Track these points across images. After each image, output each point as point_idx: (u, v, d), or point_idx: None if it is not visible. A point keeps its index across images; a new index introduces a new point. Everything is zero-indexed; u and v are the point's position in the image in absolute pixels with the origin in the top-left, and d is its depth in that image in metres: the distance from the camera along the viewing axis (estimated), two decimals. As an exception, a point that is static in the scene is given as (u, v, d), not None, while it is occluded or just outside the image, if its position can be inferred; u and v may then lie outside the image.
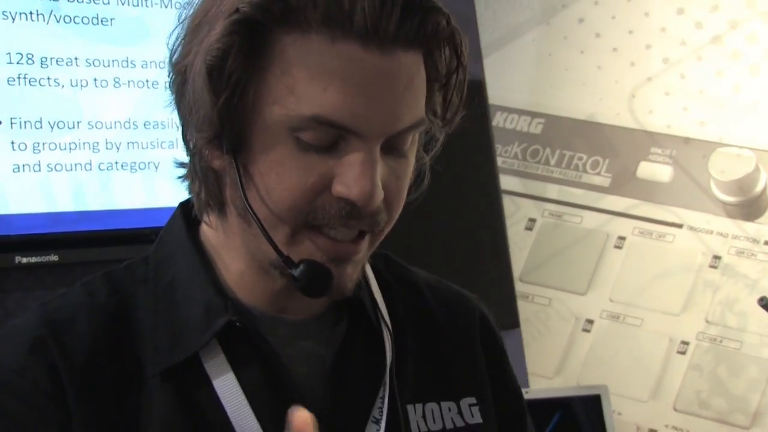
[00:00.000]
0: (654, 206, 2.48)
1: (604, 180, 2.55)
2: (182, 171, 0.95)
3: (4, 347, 0.89)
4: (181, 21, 0.90)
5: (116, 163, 2.01)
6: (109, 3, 2.00)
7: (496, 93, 2.64)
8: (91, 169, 1.99)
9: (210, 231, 0.95)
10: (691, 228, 2.44)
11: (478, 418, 1.01)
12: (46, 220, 1.95)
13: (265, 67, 0.84)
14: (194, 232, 0.96)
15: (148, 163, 2.04)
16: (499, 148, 2.63)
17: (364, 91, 0.83)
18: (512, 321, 2.51)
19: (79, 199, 1.98)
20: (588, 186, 2.56)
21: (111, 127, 2.01)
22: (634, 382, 2.41)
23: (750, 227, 2.38)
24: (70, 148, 1.96)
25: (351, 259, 0.89)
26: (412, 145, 0.89)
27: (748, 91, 2.40)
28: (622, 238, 2.51)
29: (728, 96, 2.42)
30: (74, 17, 1.96)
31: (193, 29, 0.88)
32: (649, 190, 2.49)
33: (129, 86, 2.02)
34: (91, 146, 1.99)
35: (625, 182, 2.52)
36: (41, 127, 1.93)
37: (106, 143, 2.00)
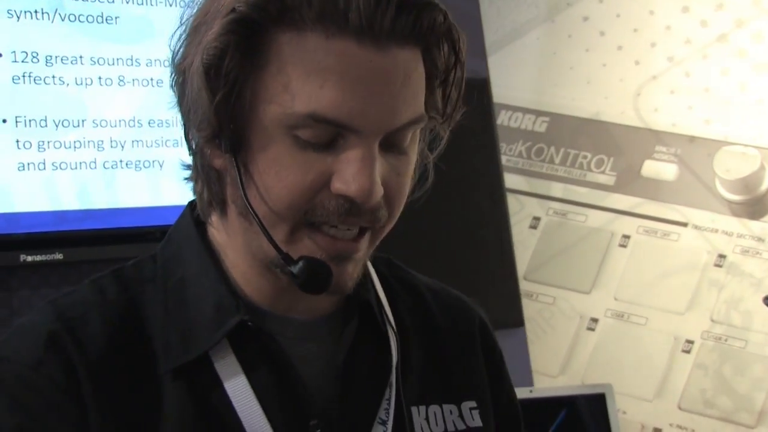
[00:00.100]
0: (659, 205, 2.48)
1: (608, 178, 2.55)
2: (188, 173, 0.96)
3: (19, 342, 0.89)
4: (182, 22, 0.90)
5: (121, 161, 2.01)
6: (113, 1, 2.00)
7: (500, 91, 2.64)
8: (95, 168, 1.99)
9: (216, 232, 0.96)
10: (696, 227, 2.43)
11: (478, 422, 1.01)
12: (51, 218, 1.95)
13: (262, 66, 0.85)
14: (203, 231, 0.97)
15: (153, 161, 2.04)
16: (503, 146, 2.63)
17: (360, 87, 0.83)
18: (516, 319, 2.51)
19: (84, 197, 1.98)
20: (593, 184, 2.56)
21: (116, 126, 2.01)
22: (638, 380, 2.41)
23: (755, 226, 2.38)
24: (75, 147, 1.97)
25: (351, 257, 0.89)
26: (412, 142, 0.89)
27: (754, 89, 2.39)
28: (626, 237, 2.50)
29: (733, 94, 2.41)
30: (79, 16, 1.97)
31: (194, 30, 0.89)
32: (654, 189, 2.49)
33: (134, 85, 2.02)
34: (96, 145, 1.99)
35: (629, 181, 2.52)
36: (46, 126, 1.94)
37: (111, 142, 2.00)
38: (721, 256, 2.39)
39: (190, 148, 0.92)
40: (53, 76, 1.94)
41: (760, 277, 2.35)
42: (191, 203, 0.98)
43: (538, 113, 2.65)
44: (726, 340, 2.35)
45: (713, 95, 2.44)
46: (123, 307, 0.92)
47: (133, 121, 2.03)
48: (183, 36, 0.90)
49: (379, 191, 0.85)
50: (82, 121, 1.98)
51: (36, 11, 1.93)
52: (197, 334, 0.91)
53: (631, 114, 2.53)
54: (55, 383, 0.86)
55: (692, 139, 2.46)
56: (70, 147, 1.96)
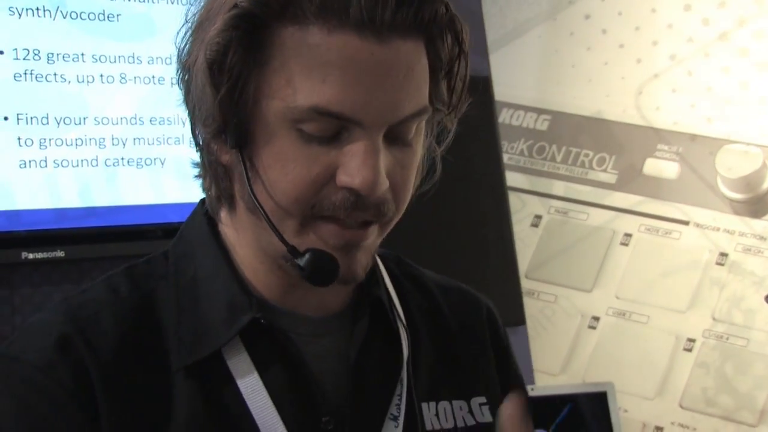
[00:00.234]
0: (660, 203, 2.48)
1: (610, 177, 2.55)
2: (198, 171, 0.96)
3: (30, 344, 0.89)
4: (187, 19, 0.90)
5: (122, 159, 2.01)
6: (115, -1, 2.01)
7: (502, 89, 2.63)
8: (97, 165, 1.99)
9: (226, 229, 0.96)
10: (698, 225, 2.43)
11: (488, 417, 1.01)
12: (52, 215, 1.95)
13: (265, 61, 0.85)
14: (214, 228, 0.97)
15: (154, 159, 2.04)
16: (505, 144, 2.63)
17: (362, 80, 0.83)
18: (518, 318, 2.51)
19: (86, 194, 1.98)
20: (594, 183, 2.56)
21: (117, 123, 2.01)
22: (640, 379, 2.41)
23: (757, 224, 2.38)
24: (77, 144, 1.97)
25: (360, 245, 0.89)
26: (417, 134, 0.90)
27: (756, 87, 2.39)
28: (628, 235, 2.50)
29: (735, 93, 2.41)
30: (81, 13, 1.97)
31: (198, 27, 0.89)
32: (655, 187, 2.48)
33: (135, 82, 2.02)
34: (98, 142, 1.99)
35: (631, 179, 2.52)
36: (48, 123, 1.94)
37: (113, 139, 2.00)
38: (723, 255, 2.39)
39: (197, 144, 0.93)
40: (55, 74, 1.94)
41: (762, 275, 2.35)
42: (203, 201, 0.98)
43: (540, 111, 2.64)
44: (728, 339, 2.35)
45: (715, 93, 2.44)
46: (135, 304, 0.93)
47: (135, 118, 2.03)
48: (188, 33, 0.90)
49: (384, 183, 0.85)
50: (84, 118, 1.98)
51: (38, 9, 1.93)
52: (210, 332, 0.91)
53: (633, 112, 2.53)
54: (63, 386, 0.86)
55: (694, 137, 2.46)
56: (71, 144, 1.96)
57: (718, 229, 2.41)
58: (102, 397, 0.86)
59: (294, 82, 0.84)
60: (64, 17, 1.95)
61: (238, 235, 0.94)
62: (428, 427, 0.97)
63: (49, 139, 1.94)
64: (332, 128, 0.85)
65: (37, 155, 1.93)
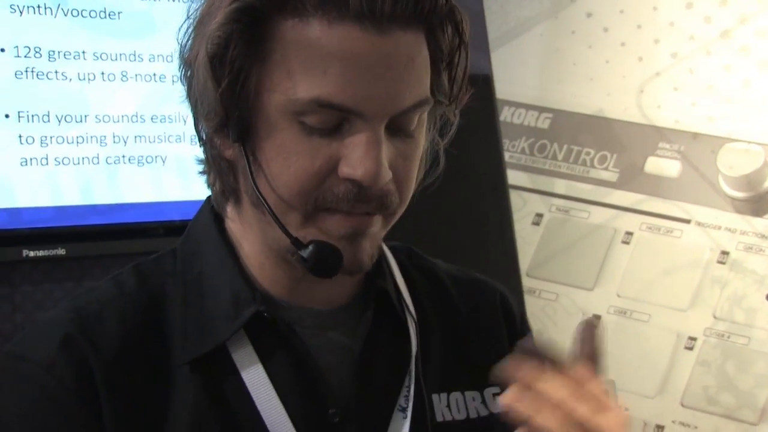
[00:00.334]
0: (662, 201, 2.47)
1: (611, 175, 2.54)
2: (203, 167, 0.97)
3: (35, 342, 0.91)
4: (189, 15, 0.91)
5: (123, 156, 2.01)
6: (116, -4, 2.01)
7: (503, 87, 2.63)
8: (98, 163, 1.99)
9: (232, 224, 0.97)
10: (699, 223, 2.43)
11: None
12: (53, 213, 1.95)
13: (266, 54, 0.85)
14: (221, 224, 0.97)
15: (156, 156, 2.04)
16: (506, 142, 2.63)
17: (363, 71, 0.83)
18: (519, 316, 2.51)
19: (87, 192, 1.98)
20: (595, 181, 2.56)
21: (118, 121, 2.01)
22: (641, 377, 2.41)
23: (758, 223, 2.38)
24: (78, 142, 1.97)
25: (366, 233, 0.89)
26: (419, 125, 0.90)
27: (758, 86, 2.39)
28: (629, 234, 2.50)
29: (737, 91, 2.41)
30: (82, 11, 1.97)
31: (199, 22, 0.90)
32: (657, 186, 2.48)
33: (136, 80, 2.02)
34: (99, 140, 1.99)
35: (632, 177, 2.52)
36: (48, 121, 1.94)
37: (114, 137, 2.00)
38: (725, 253, 2.39)
39: (200, 139, 0.93)
40: (56, 72, 1.94)
41: (764, 274, 2.34)
42: (210, 197, 0.99)
43: (541, 110, 2.64)
44: (729, 337, 2.35)
45: (717, 92, 2.43)
46: (142, 301, 0.93)
47: (136, 116, 2.03)
48: (190, 29, 0.90)
49: (387, 174, 0.85)
50: (85, 116, 1.98)
51: (39, 6, 1.93)
52: (214, 326, 0.91)
53: (635, 110, 2.53)
54: (65, 386, 0.87)
55: (695, 135, 2.45)
56: (72, 142, 1.96)
57: (720, 228, 2.41)
58: (105, 395, 0.87)
59: (295, 74, 0.84)
60: (66, 15, 1.95)
61: (244, 229, 0.95)
62: (439, 418, 0.97)
63: (50, 137, 1.94)
64: (334, 120, 0.85)
65: (38, 153, 1.93)
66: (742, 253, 2.37)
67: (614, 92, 2.55)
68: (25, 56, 1.91)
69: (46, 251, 1.94)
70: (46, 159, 1.94)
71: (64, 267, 2.02)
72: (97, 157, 1.99)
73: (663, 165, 2.48)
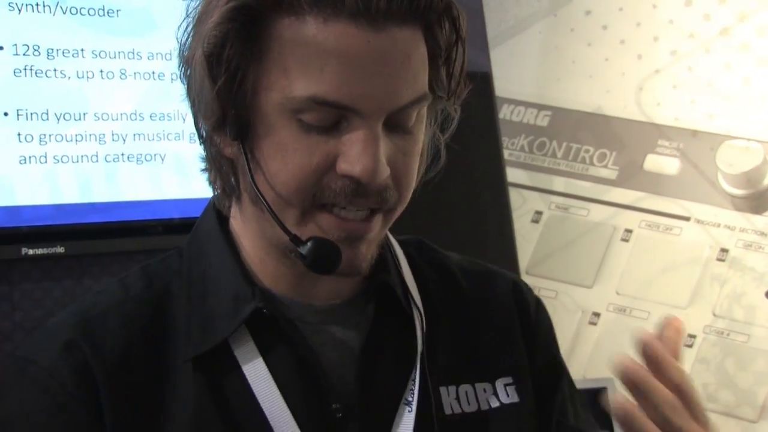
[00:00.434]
0: (661, 199, 2.47)
1: (611, 173, 2.54)
2: (204, 166, 0.97)
3: (41, 346, 0.93)
4: (188, 13, 0.91)
5: (122, 154, 2.01)
6: (115, -6, 2.00)
7: (502, 85, 2.63)
8: (97, 161, 1.99)
9: (234, 222, 0.97)
10: (699, 221, 2.43)
11: (514, 398, 1.01)
12: (52, 211, 1.95)
13: (262, 53, 0.86)
14: (225, 223, 0.98)
15: (154, 155, 2.04)
16: (505, 140, 2.63)
17: (359, 69, 0.83)
18: (518, 314, 2.51)
19: (86, 190, 1.98)
20: (595, 179, 2.56)
21: (117, 119, 2.01)
22: (640, 375, 2.40)
23: (758, 220, 2.38)
24: (77, 140, 1.96)
25: (364, 238, 0.89)
26: (418, 122, 0.90)
27: (757, 83, 2.39)
28: (629, 231, 2.50)
29: (737, 88, 2.41)
30: (80, 9, 1.96)
31: (198, 21, 0.90)
32: (656, 183, 2.48)
33: (135, 78, 2.02)
34: (98, 138, 1.99)
35: (632, 175, 2.51)
36: (47, 119, 1.93)
37: (113, 135, 2.00)
38: (724, 251, 2.39)
39: (200, 137, 0.94)
40: (54, 70, 1.94)
41: (763, 271, 2.35)
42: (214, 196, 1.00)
43: (541, 107, 2.64)
44: (728, 335, 2.35)
45: (716, 89, 2.43)
46: (146, 302, 0.94)
47: (135, 114, 2.02)
48: (189, 28, 0.91)
49: (384, 171, 0.85)
50: (84, 114, 1.97)
51: (37, 4, 1.92)
52: (216, 324, 0.92)
53: (634, 108, 2.53)
54: (67, 390, 0.88)
55: (695, 133, 2.45)
56: (71, 140, 1.96)
57: (719, 225, 2.41)
58: (106, 398, 0.88)
59: (291, 72, 0.84)
60: (64, 12, 1.95)
61: (245, 226, 0.95)
62: (447, 411, 0.97)
63: (49, 135, 1.93)
64: (331, 117, 0.85)
65: (37, 151, 1.92)
66: (742, 250, 2.37)
67: (613, 90, 2.55)
68: (24, 54, 1.91)
69: (45, 249, 1.94)
70: (45, 157, 1.93)
71: (63, 265, 2.02)
72: (96, 155, 1.98)
73: (662, 162, 2.48)
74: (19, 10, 1.90)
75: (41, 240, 1.94)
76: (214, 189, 0.97)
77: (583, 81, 2.59)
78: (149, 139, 2.03)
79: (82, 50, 1.97)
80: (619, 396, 0.79)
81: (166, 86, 2.01)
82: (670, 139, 2.47)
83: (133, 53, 2.02)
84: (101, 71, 1.99)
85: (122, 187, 2.02)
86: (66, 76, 1.95)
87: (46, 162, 1.93)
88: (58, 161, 1.95)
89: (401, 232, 1.02)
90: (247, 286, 0.93)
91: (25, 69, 1.91)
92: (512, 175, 2.60)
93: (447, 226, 2.40)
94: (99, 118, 1.99)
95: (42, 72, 1.93)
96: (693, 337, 2.38)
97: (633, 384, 0.80)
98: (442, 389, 0.98)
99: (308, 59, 0.84)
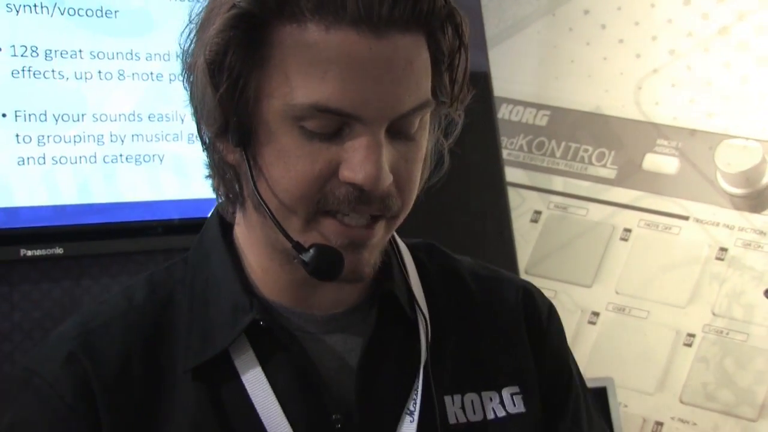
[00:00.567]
0: (660, 198, 2.47)
1: (609, 172, 2.54)
2: (208, 172, 0.97)
3: (45, 356, 0.94)
4: (191, 20, 0.91)
5: (121, 155, 2.01)
6: (113, -5, 2.00)
7: (501, 85, 2.63)
8: (95, 162, 1.98)
9: (238, 229, 0.97)
10: (698, 220, 2.43)
11: (520, 408, 1.00)
12: (50, 212, 1.94)
13: (264, 60, 0.85)
14: (229, 232, 0.98)
15: (153, 155, 2.04)
16: (504, 140, 2.63)
17: (361, 76, 0.83)
18: (518, 313, 2.50)
19: (84, 191, 1.98)
20: (594, 178, 2.56)
21: (115, 120, 2.00)
22: (640, 374, 2.41)
23: (756, 219, 2.38)
24: (75, 141, 1.96)
25: (366, 244, 0.89)
26: (420, 128, 0.89)
27: (756, 82, 2.39)
28: (628, 231, 2.50)
29: (735, 87, 2.41)
30: (78, 9, 1.96)
31: (200, 28, 0.90)
32: (655, 182, 2.48)
33: (133, 79, 2.02)
34: (96, 139, 1.98)
35: (631, 174, 2.52)
36: (46, 120, 1.93)
37: (111, 136, 2.00)
38: (723, 250, 2.39)
39: (203, 144, 0.93)
40: (53, 71, 1.94)
41: (762, 270, 2.35)
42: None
43: (539, 107, 2.64)
44: (727, 334, 2.35)
45: (715, 88, 2.43)
46: (149, 311, 0.95)
47: (133, 115, 2.02)
48: (191, 34, 0.90)
49: (387, 178, 0.85)
50: (82, 115, 1.97)
51: (35, 5, 1.92)
52: (215, 334, 0.92)
53: (632, 107, 2.53)
54: (65, 402, 0.90)
55: (693, 132, 2.46)
56: (69, 141, 1.96)
57: (718, 224, 2.41)
58: (104, 411, 0.89)
59: (294, 79, 0.84)
60: (62, 14, 1.95)
61: (249, 234, 0.95)
62: (452, 420, 0.96)
63: (48, 136, 1.93)
64: (333, 125, 0.85)
65: (36, 152, 1.92)
66: (741, 249, 2.37)
67: (612, 89, 2.55)
68: (22, 55, 1.91)
69: (43, 250, 1.94)
70: (44, 158, 1.93)
71: (62, 266, 2.02)
72: (95, 156, 1.98)
73: (661, 162, 2.48)
74: (17, 12, 1.90)
75: (40, 241, 1.94)
76: (218, 196, 0.96)
77: (582, 80, 2.59)
78: (148, 140, 2.03)
79: (80, 51, 1.96)
80: None
81: (164, 87, 2.00)
82: (669, 138, 2.47)
83: (132, 54, 2.02)
84: (99, 72, 1.98)
85: (121, 187, 2.01)
86: (64, 77, 1.95)
87: (44, 163, 1.93)
88: (57, 162, 1.94)
89: (400, 233, 1.01)
90: (246, 296, 0.93)
91: (23, 70, 1.91)
92: (511, 174, 2.60)
93: (446, 226, 2.40)
94: (97, 119, 1.99)
95: (40, 73, 1.93)
96: (692, 336, 2.39)
97: None
98: (447, 398, 0.97)
99: (310, 66, 0.83)
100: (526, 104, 2.66)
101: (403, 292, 0.98)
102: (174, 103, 1.99)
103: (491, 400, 0.99)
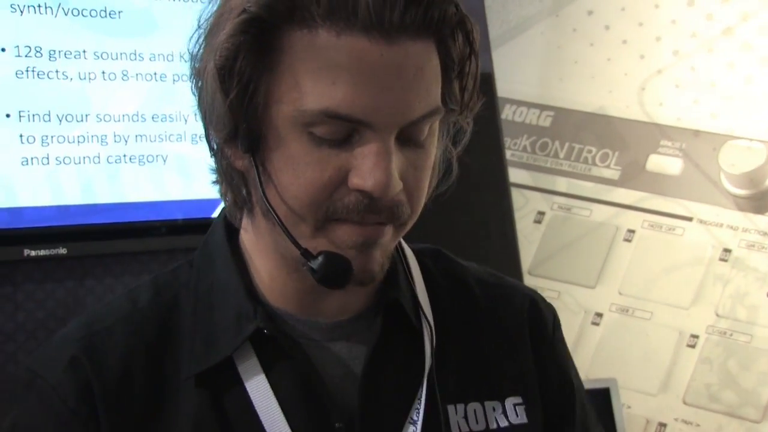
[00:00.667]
0: (664, 199, 2.47)
1: (613, 173, 2.54)
2: (215, 178, 0.97)
3: (48, 358, 0.95)
4: (200, 24, 0.90)
5: (124, 156, 2.01)
6: (117, -5, 2.00)
7: (505, 86, 2.63)
8: (99, 162, 1.99)
9: (245, 235, 0.97)
10: (701, 221, 2.43)
11: (523, 419, 0.99)
12: (54, 212, 1.95)
13: (274, 65, 0.85)
14: (234, 237, 0.98)
15: (157, 156, 2.04)
16: (508, 141, 2.63)
17: (372, 82, 0.83)
18: (521, 314, 2.50)
19: (88, 191, 1.98)
20: (597, 179, 2.56)
21: (119, 120, 2.01)
22: (643, 375, 2.40)
23: (760, 220, 2.37)
24: (79, 141, 1.96)
25: (377, 243, 0.88)
26: (430, 135, 0.89)
27: (760, 83, 2.38)
28: (631, 231, 2.50)
29: (739, 88, 2.41)
30: (82, 10, 1.96)
31: (209, 33, 0.89)
32: (658, 183, 2.48)
33: (137, 79, 2.02)
34: (100, 139, 1.99)
35: (634, 175, 2.51)
36: (49, 120, 1.93)
37: (115, 136, 2.00)
38: (727, 251, 2.39)
39: (211, 149, 0.93)
40: (57, 71, 1.94)
41: (766, 271, 2.34)
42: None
43: (543, 107, 2.64)
44: (731, 335, 2.35)
45: (719, 89, 2.43)
46: (153, 314, 0.95)
47: (137, 115, 2.02)
48: (200, 39, 0.90)
49: (397, 185, 0.85)
50: (86, 115, 1.97)
51: (39, 6, 1.92)
52: (219, 340, 0.92)
53: (636, 108, 2.53)
54: (67, 406, 0.90)
55: (697, 133, 2.45)
56: (73, 141, 1.96)
57: (722, 225, 2.41)
58: (104, 416, 0.89)
59: (304, 85, 0.83)
60: (66, 14, 1.95)
61: (257, 240, 0.95)
62: (455, 430, 0.95)
63: (51, 137, 1.93)
64: (343, 131, 0.84)
65: (39, 152, 1.92)
66: (744, 250, 2.37)
67: (616, 90, 2.55)
68: (26, 56, 1.91)
69: (47, 250, 1.94)
70: (47, 158, 1.93)
71: (65, 266, 2.02)
72: (98, 157, 1.99)
73: (665, 163, 2.48)
74: (21, 12, 1.91)
75: (43, 241, 1.94)
76: (225, 201, 0.96)
77: (586, 81, 2.59)
78: (151, 140, 2.03)
79: (84, 51, 1.97)
80: None
81: (168, 87, 2.01)
82: (673, 139, 2.47)
83: (135, 54, 2.02)
84: (103, 72, 1.99)
85: (124, 188, 2.02)
86: (68, 78, 1.95)
87: (48, 163, 1.94)
88: (60, 162, 1.95)
89: (407, 234, 1.01)
90: (250, 303, 0.93)
91: (27, 70, 1.91)
92: (514, 175, 2.60)
93: (449, 227, 2.40)
94: (101, 120, 1.99)
95: (44, 73, 1.93)
96: (696, 337, 2.38)
97: None
98: (450, 407, 0.96)
99: (320, 72, 0.83)
100: (530, 105, 2.66)
101: (409, 300, 0.97)
102: (178, 103, 1.99)
103: (494, 409, 0.98)
